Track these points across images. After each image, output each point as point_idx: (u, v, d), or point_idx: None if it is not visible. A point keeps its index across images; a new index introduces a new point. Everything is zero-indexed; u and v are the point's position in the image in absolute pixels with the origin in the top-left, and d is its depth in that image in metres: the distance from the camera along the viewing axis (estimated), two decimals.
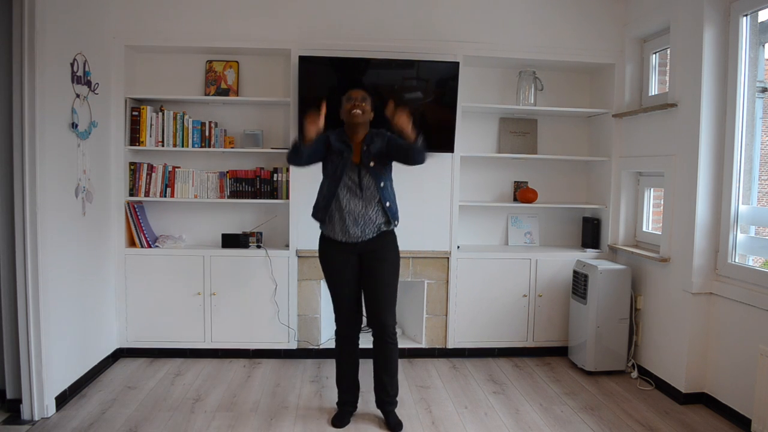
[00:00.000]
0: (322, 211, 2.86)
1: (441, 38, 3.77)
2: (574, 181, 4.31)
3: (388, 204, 2.84)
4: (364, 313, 2.98)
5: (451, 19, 3.79)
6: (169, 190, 3.80)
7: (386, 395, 2.94)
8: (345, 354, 2.98)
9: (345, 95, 2.83)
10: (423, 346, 3.93)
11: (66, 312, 3.10)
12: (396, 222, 2.92)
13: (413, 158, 2.74)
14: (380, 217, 2.83)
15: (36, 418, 2.88)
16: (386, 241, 2.91)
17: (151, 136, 3.76)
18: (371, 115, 2.85)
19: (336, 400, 3.04)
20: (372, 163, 2.79)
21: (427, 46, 3.76)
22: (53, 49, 2.91)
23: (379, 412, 3.01)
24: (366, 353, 2.99)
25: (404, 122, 2.61)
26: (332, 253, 2.88)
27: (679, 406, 3.21)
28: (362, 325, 3.02)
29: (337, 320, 2.95)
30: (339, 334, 2.96)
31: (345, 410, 2.98)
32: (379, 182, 2.81)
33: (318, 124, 2.62)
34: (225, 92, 3.87)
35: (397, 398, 3.00)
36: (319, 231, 2.93)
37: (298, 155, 2.71)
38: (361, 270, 2.88)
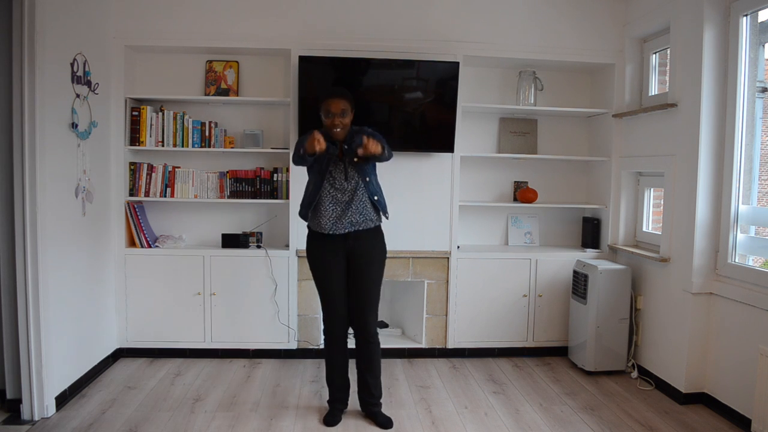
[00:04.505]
0: (306, 207, 2.89)
1: (441, 38, 3.77)
2: (574, 181, 4.31)
3: (376, 198, 2.89)
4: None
5: (451, 19, 3.79)
6: (169, 190, 3.80)
7: (370, 396, 2.97)
8: (335, 353, 2.98)
9: (324, 104, 2.79)
10: (423, 346, 3.93)
11: (66, 312, 3.10)
12: (386, 214, 2.95)
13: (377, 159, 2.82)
14: (368, 210, 2.86)
15: (36, 418, 2.88)
16: (376, 241, 2.93)
17: (151, 136, 3.76)
18: (351, 118, 2.86)
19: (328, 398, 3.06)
20: (356, 159, 2.81)
21: (427, 46, 3.76)
22: (53, 49, 2.91)
23: None
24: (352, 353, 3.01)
25: (374, 148, 2.65)
26: (321, 251, 2.90)
27: (679, 406, 3.21)
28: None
29: (326, 320, 2.97)
30: (328, 333, 2.97)
31: (336, 408, 3.00)
32: (365, 176, 2.85)
33: (321, 146, 2.63)
34: (225, 92, 3.87)
35: (381, 400, 3.00)
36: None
37: (304, 161, 2.78)
38: (349, 269, 2.90)
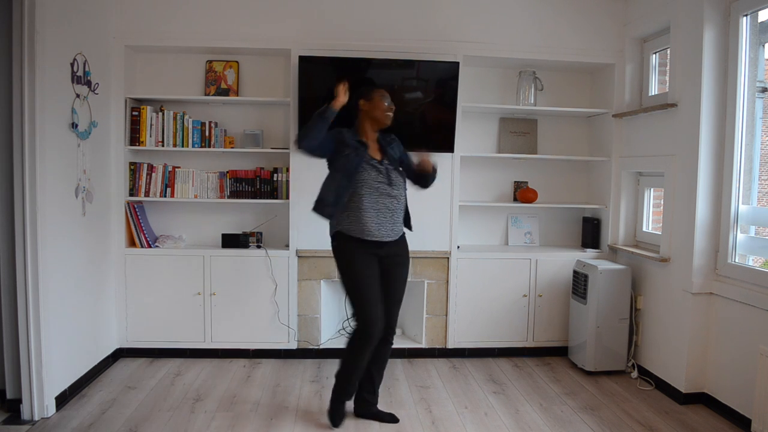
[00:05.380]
0: (331, 207, 2.77)
1: (441, 38, 3.77)
2: (574, 181, 4.31)
3: (407, 205, 2.95)
4: None
5: (451, 19, 3.79)
6: (169, 190, 3.80)
7: (372, 395, 2.97)
8: (367, 354, 2.82)
9: (377, 92, 2.84)
10: (423, 346, 3.93)
11: (66, 312, 3.10)
12: (410, 224, 2.99)
13: (424, 184, 2.96)
14: (402, 217, 2.90)
15: (36, 418, 2.88)
16: (405, 244, 2.97)
17: (151, 136, 3.76)
18: None
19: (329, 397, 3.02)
20: (400, 167, 2.89)
21: (427, 46, 3.76)
22: (53, 49, 2.91)
23: None
24: None
25: (428, 166, 2.83)
26: (360, 253, 2.79)
27: (679, 406, 3.21)
28: None
29: (367, 322, 2.76)
30: (366, 336, 2.76)
31: (342, 407, 2.94)
32: (406, 182, 2.91)
33: (346, 95, 2.73)
34: (225, 92, 3.87)
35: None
36: (329, 228, 2.86)
37: (316, 131, 2.66)
38: (381, 272, 2.86)
